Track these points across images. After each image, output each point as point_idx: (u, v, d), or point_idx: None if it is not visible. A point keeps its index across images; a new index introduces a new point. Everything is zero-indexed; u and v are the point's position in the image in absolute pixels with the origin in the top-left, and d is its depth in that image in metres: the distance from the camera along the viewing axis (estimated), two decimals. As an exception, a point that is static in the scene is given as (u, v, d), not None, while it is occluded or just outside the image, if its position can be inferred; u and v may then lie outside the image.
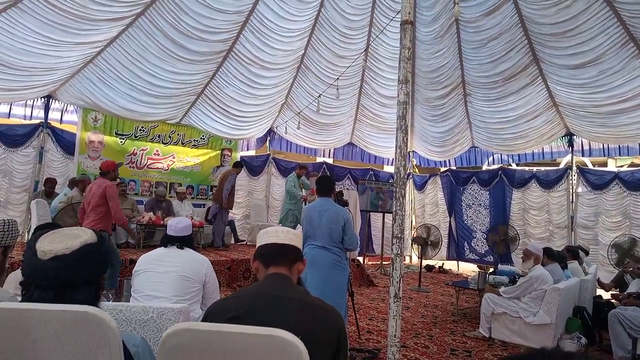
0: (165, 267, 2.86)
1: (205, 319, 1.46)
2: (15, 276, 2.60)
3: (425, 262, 9.74)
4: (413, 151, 11.83)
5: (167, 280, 2.80)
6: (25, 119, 7.89)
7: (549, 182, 9.59)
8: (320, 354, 1.36)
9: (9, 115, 7.74)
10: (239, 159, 10.20)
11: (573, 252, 6.28)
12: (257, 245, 1.70)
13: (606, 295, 6.48)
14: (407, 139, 3.51)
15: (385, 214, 10.06)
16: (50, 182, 7.47)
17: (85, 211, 5.14)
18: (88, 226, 4.88)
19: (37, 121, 7.90)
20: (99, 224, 4.99)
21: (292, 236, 1.69)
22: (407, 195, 11.93)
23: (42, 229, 2.64)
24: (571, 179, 9.19)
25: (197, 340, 1.20)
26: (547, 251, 5.55)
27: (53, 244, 1.29)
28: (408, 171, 11.91)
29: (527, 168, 10.57)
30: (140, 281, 2.88)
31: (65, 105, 8.07)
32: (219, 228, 8.27)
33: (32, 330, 1.19)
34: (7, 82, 6.84)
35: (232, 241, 8.93)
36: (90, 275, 1.34)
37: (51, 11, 6.01)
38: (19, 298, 1.39)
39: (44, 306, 1.21)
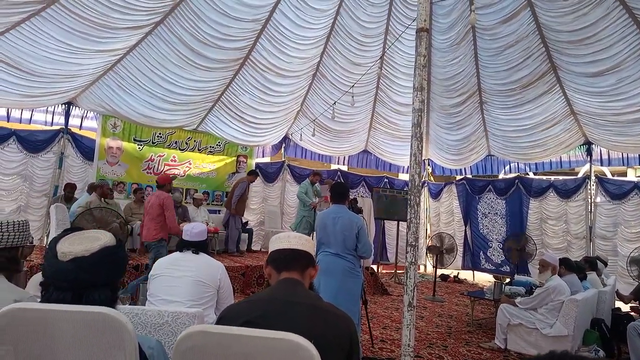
0: (180, 272, 2.89)
1: (219, 322, 1.48)
2: (37, 278, 2.65)
3: (440, 272, 9.66)
4: (428, 159, 11.78)
5: (182, 285, 2.83)
6: (46, 125, 8.06)
7: (567, 192, 9.44)
8: (332, 359, 1.37)
9: (30, 121, 7.92)
10: (254, 166, 10.27)
11: (591, 263, 6.17)
12: (270, 250, 1.72)
13: (625, 307, 6.35)
14: (422, 147, 3.51)
15: (400, 222, 10.01)
16: (70, 187, 7.60)
17: (144, 222, 5.62)
18: (150, 236, 5.52)
19: (58, 127, 8.07)
20: (160, 233, 5.47)
21: (304, 242, 1.70)
22: (422, 204, 11.87)
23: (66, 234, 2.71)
24: (590, 189, 9.04)
25: (211, 343, 1.22)
26: (565, 261, 5.46)
27: (73, 246, 1.32)
28: (423, 179, 11.85)
29: (544, 177, 10.43)
30: (155, 285, 2.92)
31: (85, 111, 8.23)
32: (232, 234, 8.34)
33: (50, 330, 1.22)
34: (29, 89, 7.00)
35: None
36: (108, 278, 1.37)
37: (74, 20, 6.16)
38: (39, 299, 1.43)
39: (62, 307, 1.24)
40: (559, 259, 5.49)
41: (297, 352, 1.17)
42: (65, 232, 2.30)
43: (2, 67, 6.48)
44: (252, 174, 8.95)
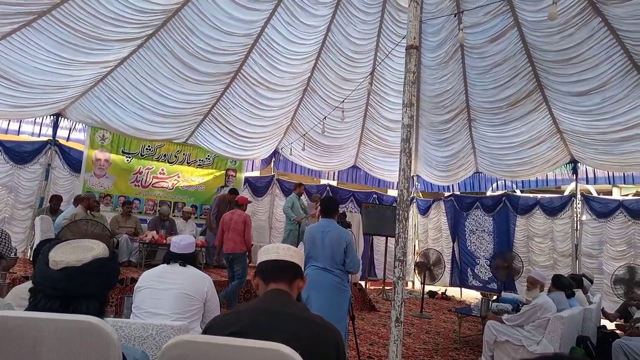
0: (166, 284, 2.85)
1: (205, 332, 1.46)
2: (17, 290, 2.60)
3: (427, 288, 9.64)
4: (417, 175, 11.85)
5: (168, 297, 2.79)
6: (33, 136, 7.98)
7: (553, 210, 9.55)
8: (319, 370, 1.36)
9: (18, 132, 7.84)
10: (243, 180, 10.26)
11: (577, 281, 6.20)
12: (258, 262, 1.71)
13: (611, 325, 6.38)
14: (410, 162, 3.54)
15: (388, 237, 10.02)
16: (56, 199, 7.51)
17: (225, 234, 6.43)
18: (237, 248, 6.36)
19: (46, 138, 7.99)
20: (244, 246, 6.41)
21: (292, 253, 1.70)
22: (410, 220, 11.90)
23: (44, 244, 2.67)
24: (575, 207, 9.15)
25: (198, 352, 1.20)
26: (557, 279, 5.49)
27: (65, 255, 1.31)
28: (412, 195, 11.91)
29: (531, 195, 10.54)
30: (141, 297, 2.87)
31: (74, 123, 8.17)
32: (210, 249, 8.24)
33: (33, 339, 1.20)
34: (17, 99, 6.95)
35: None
36: (98, 289, 1.36)
37: (65, 31, 6.16)
38: (16, 309, 1.40)
39: (46, 315, 1.22)
40: (554, 275, 5.53)
41: (284, 362, 1.16)
42: (44, 244, 2.28)
43: (-10, 77, 6.44)
44: (232, 193, 8.51)
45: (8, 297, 2.45)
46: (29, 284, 2.63)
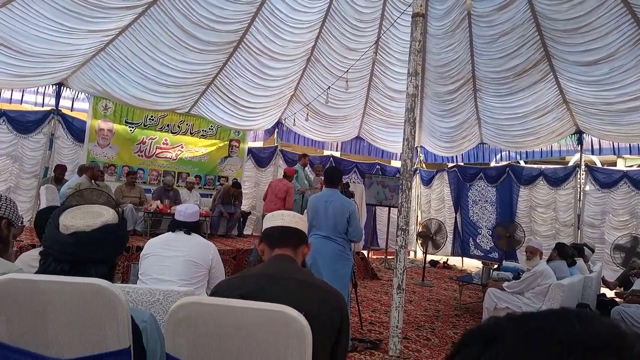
0: (172, 252, 2.90)
1: (212, 296, 1.49)
2: (24, 258, 2.64)
3: (429, 257, 9.74)
4: (421, 146, 11.81)
5: (174, 264, 2.84)
6: (36, 106, 7.96)
7: (556, 180, 9.54)
8: (323, 333, 1.39)
9: (21, 101, 7.82)
10: (246, 150, 10.27)
11: (578, 250, 6.27)
12: (264, 227, 1.73)
13: (610, 293, 6.47)
14: (414, 132, 3.53)
15: (391, 208, 10.07)
16: (61, 169, 7.54)
17: (267, 197, 7.70)
18: (270, 208, 7.07)
19: (49, 108, 7.97)
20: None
21: (297, 220, 1.72)
22: (413, 190, 11.93)
23: (47, 212, 2.70)
24: (579, 177, 9.13)
25: (204, 313, 1.23)
26: (560, 247, 5.55)
27: (75, 220, 1.33)
28: (415, 166, 11.90)
29: (535, 166, 10.52)
30: (147, 264, 2.92)
31: (77, 92, 8.12)
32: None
33: (43, 300, 1.23)
34: (19, 69, 6.90)
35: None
36: (106, 254, 1.39)
37: (65, -2, 6.06)
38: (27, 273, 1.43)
39: (55, 277, 1.25)
40: (557, 243, 5.59)
41: (289, 324, 1.19)
42: (47, 212, 2.29)
43: (-9, 45, 6.39)
44: (235, 186, 8.77)
45: (17, 264, 2.50)
46: (35, 251, 2.68)
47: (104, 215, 1.39)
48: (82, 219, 1.35)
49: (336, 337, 1.49)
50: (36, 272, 1.34)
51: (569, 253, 5.58)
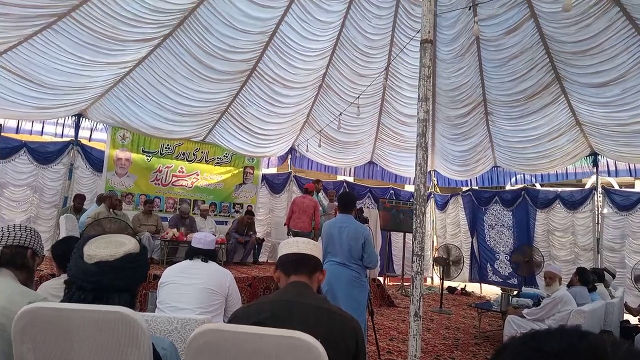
0: (190, 279, 2.93)
1: (230, 323, 1.51)
2: (44, 287, 2.70)
3: (447, 284, 9.62)
4: (434, 170, 11.79)
5: (191, 292, 2.86)
6: (56, 137, 8.17)
7: (573, 203, 9.42)
8: (339, 358, 1.40)
9: (41, 132, 8.04)
10: (261, 176, 10.37)
11: (599, 275, 6.14)
12: (279, 255, 1.76)
13: (634, 320, 6.30)
14: (427, 157, 3.55)
15: (406, 233, 10.01)
16: (80, 198, 7.67)
17: (294, 214, 7.89)
18: (305, 227, 7.69)
19: (68, 139, 8.17)
20: (309, 227, 7.67)
21: (312, 246, 1.74)
22: (428, 215, 11.86)
23: (63, 243, 2.76)
24: (596, 200, 9.01)
25: (224, 340, 1.25)
26: (582, 272, 5.45)
27: (99, 249, 1.38)
28: (429, 190, 11.86)
29: (551, 188, 10.41)
30: (165, 293, 2.95)
31: (95, 123, 8.33)
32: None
33: (68, 329, 1.27)
34: (40, 101, 7.12)
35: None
36: (129, 283, 1.43)
37: (84, 32, 6.28)
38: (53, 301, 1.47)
39: (80, 306, 1.29)
40: (578, 268, 5.50)
41: (306, 350, 1.20)
42: (65, 242, 2.36)
43: (14, 79, 6.61)
44: (248, 213, 9.09)
45: (41, 293, 2.55)
46: (55, 281, 2.74)
47: (127, 244, 1.43)
48: (105, 248, 1.40)
49: (353, 362, 1.49)
50: (61, 301, 1.37)
51: (589, 279, 5.47)
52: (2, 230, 2.00)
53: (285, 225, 8.49)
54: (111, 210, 7.15)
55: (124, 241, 1.45)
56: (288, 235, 7.99)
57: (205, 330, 1.27)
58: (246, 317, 1.48)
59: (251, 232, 8.78)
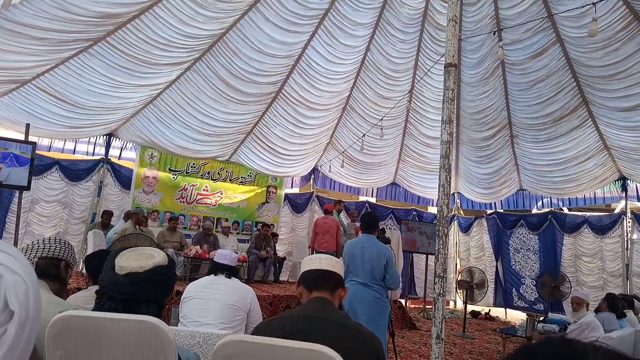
0: (212, 294, 2.98)
1: (253, 336, 1.55)
2: (72, 300, 2.78)
3: (470, 308, 9.43)
4: (458, 192, 11.69)
5: (214, 307, 2.91)
6: (87, 155, 8.45)
7: (602, 228, 9.20)
8: (360, 374, 1.42)
9: (74, 151, 8.33)
10: (283, 196, 10.46)
11: (628, 302, 5.95)
12: (301, 271, 1.80)
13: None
14: (450, 178, 3.56)
15: (429, 255, 9.90)
16: (107, 215, 7.87)
17: (318, 235, 7.99)
18: (330, 247, 7.80)
19: (98, 157, 8.44)
20: (334, 246, 7.81)
21: (334, 263, 1.78)
22: (451, 237, 11.72)
23: (95, 256, 2.87)
24: (626, 225, 8.78)
25: (247, 351, 1.29)
26: (611, 299, 5.31)
27: (130, 261, 1.45)
28: (452, 212, 11.74)
29: (579, 213, 10.20)
30: (188, 307, 3.00)
31: (125, 142, 8.60)
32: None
33: (99, 337, 1.33)
34: (73, 120, 7.42)
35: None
36: (157, 295, 1.49)
37: (118, 56, 6.56)
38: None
39: (111, 315, 1.35)
40: (608, 294, 5.37)
41: (328, 363, 1.23)
42: (95, 256, 2.47)
43: (49, 99, 6.92)
44: (265, 226, 9.29)
45: (72, 303, 2.63)
46: (84, 292, 2.83)
47: (156, 257, 1.50)
48: (135, 260, 1.46)
49: (372, 380, 1.51)
50: (92, 310, 1.44)
51: (618, 305, 5.31)
52: (37, 243, 2.10)
53: (310, 247, 8.55)
54: (137, 226, 7.31)
55: (154, 254, 1.51)
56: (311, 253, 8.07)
57: (229, 341, 1.31)
58: (268, 330, 1.52)
59: (269, 248, 8.84)
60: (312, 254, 7.84)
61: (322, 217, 8.44)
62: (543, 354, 0.59)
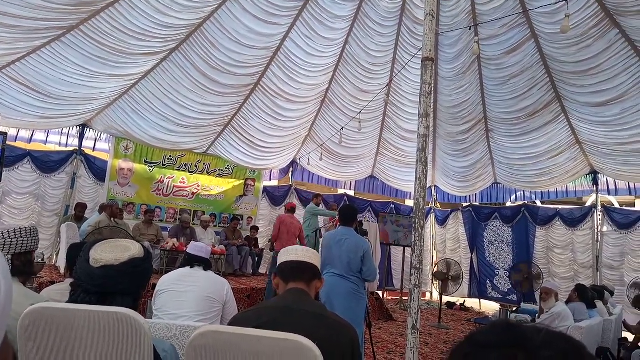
0: (187, 287, 2.95)
1: (229, 327, 1.55)
2: (45, 293, 2.73)
3: (446, 299, 9.59)
4: (435, 186, 11.84)
5: (190, 300, 2.89)
6: (60, 146, 8.25)
7: (573, 221, 9.45)
8: (335, 364, 1.44)
9: (45, 142, 8.12)
10: (262, 189, 10.43)
11: (598, 292, 6.15)
12: (278, 262, 1.80)
13: (632, 337, 6.28)
14: (426, 171, 3.60)
15: (406, 248, 10.02)
16: (81, 207, 7.72)
17: (282, 235, 7.50)
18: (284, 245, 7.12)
19: (72, 148, 8.25)
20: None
21: (311, 255, 1.79)
22: (428, 230, 11.87)
23: (78, 248, 2.81)
24: (596, 218, 9.04)
25: (223, 341, 1.30)
26: (580, 289, 5.46)
27: (105, 254, 1.43)
28: (429, 206, 11.89)
29: (551, 206, 10.45)
30: (163, 300, 2.97)
31: (99, 133, 8.42)
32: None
33: (72, 328, 1.31)
34: (46, 111, 7.23)
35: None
36: (132, 287, 1.47)
37: (92, 45, 6.41)
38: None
39: (84, 307, 1.33)
40: (578, 284, 5.52)
41: (303, 353, 1.24)
42: (76, 248, 2.43)
43: (21, 89, 6.72)
44: (233, 220, 9.29)
45: (43, 295, 2.58)
46: (59, 286, 2.78)
47: (132, 249, 1.48)
48: (111, 252, 1.45)
49: (348, 370, 1.53)
50: (66, 302, 1.42)
51: (588, 295, 5.48)
52: (9, 237, 2.02)
53: (271, 242, 8.12)
54: (112, 219, 7.19)
55: (129, 246, 1.50)
56: (271, 251, 7.97)
57: (205, 332, 1.31)
58: (245, 321, 1.52)
59: (238, 239, 8.89)
60: (272, 248, 7.76)
61: (287, 215, 7.98)
62: (487, 340, 0.61)
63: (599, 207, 9.08)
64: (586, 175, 9.02)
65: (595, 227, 9.03)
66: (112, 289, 1.42)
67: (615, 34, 6.22)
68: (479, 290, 11.08)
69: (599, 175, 8.91)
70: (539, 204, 11.06)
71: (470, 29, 6.74)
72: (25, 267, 2.02)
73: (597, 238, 8.97)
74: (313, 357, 1.23)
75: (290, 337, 1.26)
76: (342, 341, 1.53)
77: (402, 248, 10.33)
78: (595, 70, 6.77)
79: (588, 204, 10.01)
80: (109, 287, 1.41)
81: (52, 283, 5.33)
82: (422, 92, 3.63)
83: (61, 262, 6.63)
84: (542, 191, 10.09)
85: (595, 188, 9.05)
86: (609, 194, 9.16)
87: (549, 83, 7.61)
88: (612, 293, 6.90)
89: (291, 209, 8.22)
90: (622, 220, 8.68)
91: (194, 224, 9.07)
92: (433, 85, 7.87)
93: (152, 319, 3.07)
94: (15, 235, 2.02)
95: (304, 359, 1.24)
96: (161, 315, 2.94)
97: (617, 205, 10.07)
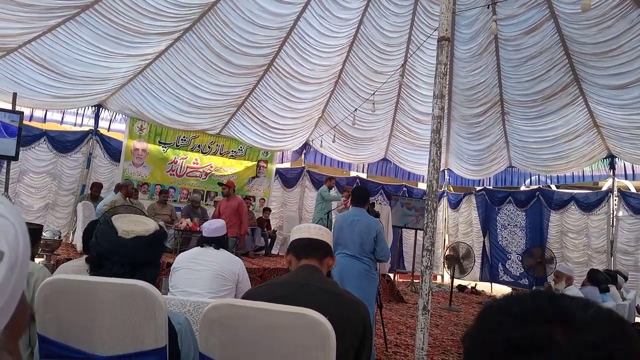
0: (201, 265, 3.00)
1: (242, 301, 1.58)
2: (62, 269, 2.78)
3: (457, 282, 9.61)
4: (448, 169, 11.76)
5: (203, 278, 2.94)
6: (75, 126, 8.34)
7: (588, 205, 9.34)
8: (346, 339, 1.45)
9: (61, 122, 8.20)
10: (274, 171, 10.47)
11: (611, 277, 6.10)
12: (291, 239, 1.82)
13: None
14: (440, 153, 3.58)
15: (418, 230, 10.01)
16: (97, 187, 7.83)
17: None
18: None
19: (87, 128, 8.33)
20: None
21: (323, 232, 1.80)
22: (440, 213, 11.84)
23: (94, 225, 2.86)
24: (612, 203, 8.92)
25: (236, 315, 1.32)
26: (592, 273, 5.43)
27: (132, 226, 1.49)
28: (442, 189, 11.83)
29: (566, 190, 10.33)
30: (177, 277, 3.03)
31: (114, 114, 8.48)
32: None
33: (89, 300, 1.34)
34: (61, 90, 7.28)
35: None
36: (157, 257, 1.58)
37: (107, 24, 6.41)
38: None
39: (101, 279, 1.36)
40: (590, 269, 5.49)
41: (314, 327, 1.26)
42: (94, 225, 2.47)
43: (37, 68, 6.77)
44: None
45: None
46: (74, 262, 2.83)
47: (149, 223, 1.54)
48: (137, 225, 1.52)
49: (359, 344, 1.55)
50: (93, 274, 1.46)
51: (601, 279, 5.44)
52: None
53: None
54: (127, 199, 7.28)
55: (145, 220, 1.55)
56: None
57: (219, 304, 1.33)
58: (257, 296, 1.54)
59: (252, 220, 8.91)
60: None
61: (223, 199, 7.60)
62: (523, 311, 0.52)
63: (615, 192, 8.95)
64: (603, 159, 8.88)
65: (611, 211, 8.92)
66: (142, 260, 1.49)
67: (638, 15, 6.03)
68: (490, 273, 11.06)
69: (616, 159, 8.77)
70: (554, 188, 10.94)
71: (488, 8, 6.59)
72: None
73: (613, 223, 8.87)
74: (325, 332, 1.25)
75: (303, 311, 1.28)
76: (353, 317, 1.54)
77: (413, 231, 10.33)
78: (616, 52, 6.60)
79: (604, 188, 9.87)
80: (139, 258, 1.48)
81: (69, 260, 5.45)
82: (437, 73, 3.58)
83: (77, 240, 6.75)
84: (557, 175, 9.96)
85: (612, 172, 8.91)
86: (625, 178, 9.02)
87: (567, 65, 7.45)
88: (625, 278, 6.83)
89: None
90: (638, 205, 8.56)
91: (207, 204, 9.15)
92: (448, 66, 7.75)
93: (167, 295, 3.14)
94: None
95: (316, 333, 1.26)
96: (175, 292, 2.99)
97: (633, 190, 9.93)
